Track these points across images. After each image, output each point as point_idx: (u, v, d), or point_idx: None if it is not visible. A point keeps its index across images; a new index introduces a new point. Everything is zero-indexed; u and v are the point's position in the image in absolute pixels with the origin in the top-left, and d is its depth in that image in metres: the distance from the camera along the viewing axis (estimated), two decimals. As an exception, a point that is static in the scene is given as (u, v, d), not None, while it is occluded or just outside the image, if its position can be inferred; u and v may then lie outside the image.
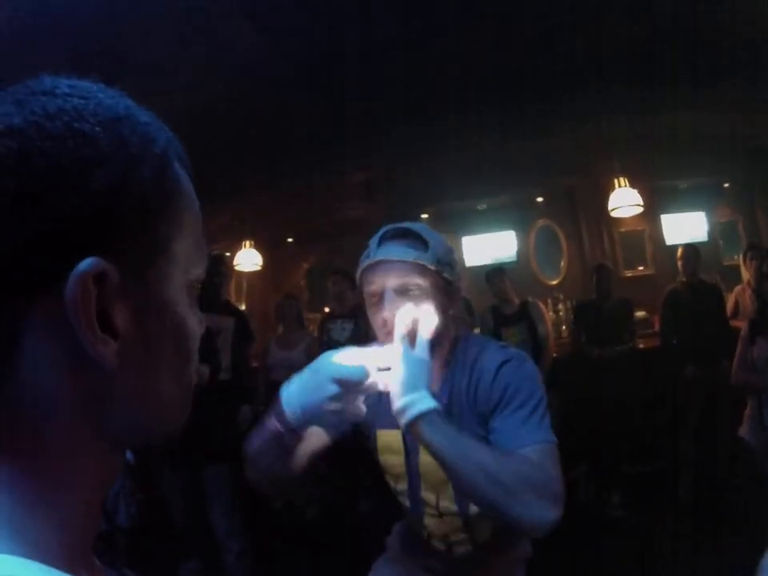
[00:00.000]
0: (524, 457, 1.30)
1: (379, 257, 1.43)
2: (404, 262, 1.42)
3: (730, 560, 2.62)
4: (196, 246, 0.53)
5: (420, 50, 3.73)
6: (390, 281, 1.42)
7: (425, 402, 1.25)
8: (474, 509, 1.48)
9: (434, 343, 1.40)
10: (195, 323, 0.54)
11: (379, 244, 1.46)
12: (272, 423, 1.29)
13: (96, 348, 0.43)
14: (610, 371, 4.70)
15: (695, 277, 4.98)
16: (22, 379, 0.44)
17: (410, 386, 1.26)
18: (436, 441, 1.24)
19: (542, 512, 1.26)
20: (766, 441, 3.21)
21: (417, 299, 1.41)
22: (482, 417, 1.45)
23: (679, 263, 5.02)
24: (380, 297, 1.44)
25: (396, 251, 1.43)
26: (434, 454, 1.26)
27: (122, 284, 0.45)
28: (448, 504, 1.52)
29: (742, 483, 3.41)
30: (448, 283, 1.47)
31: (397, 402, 1.26)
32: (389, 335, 1.38)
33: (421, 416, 1.24)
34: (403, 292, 1.42)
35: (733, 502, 3.43)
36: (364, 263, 1.47)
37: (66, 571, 0.43)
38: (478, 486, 1.23)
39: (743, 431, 3.36)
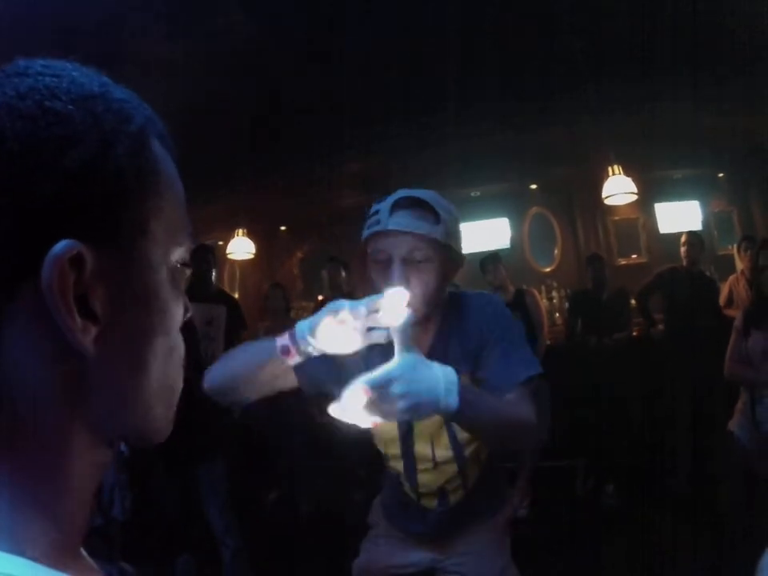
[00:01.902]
0: (515, 399, 1.44)
1: (391, 227, 1.43)
2: (415, 234, 1.42)
3: (729, 551, 2.63)
4: (178, 227, 0.51)
5: (417, 40, 3.71)
6: (400, 251, 1.43)
7: (453, 389, 1.18)
8: (466, 450, 1.59)
9: (430, 312, 1.51)
10: (179, 307, 0.52)
11: (391, 212, 1.45)
12: (281, 338, 1.31)
13: (75, 334, 0.42)
14: (607, 360, 4.71)
15: (695, 266, 4.99)
16: (4, 370, 0.43)
17: (431, 388, 1.15)
18: (474, 413, 1.28)
19: (534, 436, 1.54)
20: (756, 436, 3.17)
21: (423, 270, 1.44)
22: (471, 355, 1.54)
23: (683, 249, 5.02)
24: (386, 263, 1.46)
25: (408, 222, 1.43)
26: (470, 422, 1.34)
27: (101, 267, 0.44)
28: (444, 452, 1.60)
29: (732, 476, 3.39)
30: (454, 253, 1.50)
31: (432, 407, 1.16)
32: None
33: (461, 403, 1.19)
34: (411, 262, 1.44)
35: (728, 495, 3.42)
36: (373, 229, 1.46)
37: (55, 567, 0.41)
38: (496, 431, 1.41)
39: (733, 425, 3.32)
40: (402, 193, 1.49)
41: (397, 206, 1.45)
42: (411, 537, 1.76)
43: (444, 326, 1.59)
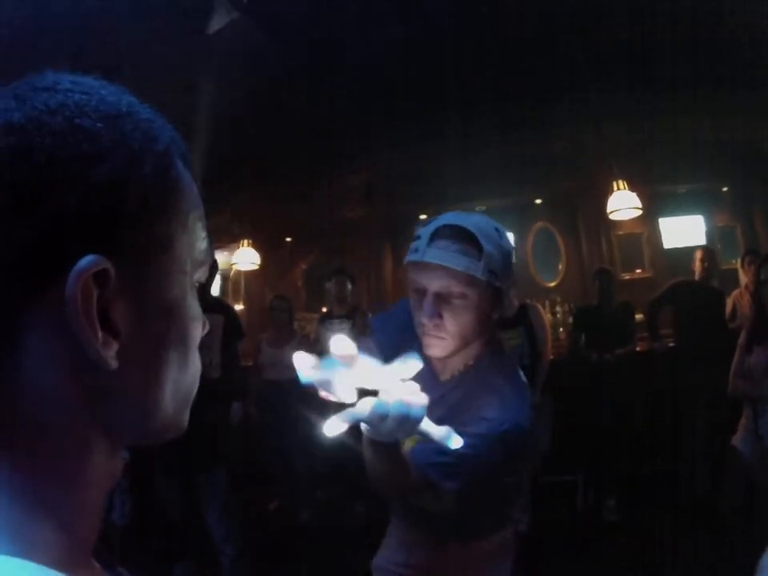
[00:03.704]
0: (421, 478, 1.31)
1: (427, 259, 1.36)
2: (452, 270, 1.34)
3: (731, 566, 2.62)
4: (198, 246, 0.52)
5: (421, 53, 3.73)
6: (434, 285, 1.37)
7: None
8: None
9: (464, 342, 1.43)
10: (198, 323, 0.53)
11: (431, 240, 1.37)
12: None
13: (96, 348, 0.43)
14: (610, 375, 4.69)
15: (708, 281, 4.97)
16: (23, 378, 0.43)
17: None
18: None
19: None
20: (759, 450, 3.18)
21: (458, 306, 1.38)
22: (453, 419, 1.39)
23: (699, 263, 4.99)
24: (422, 294, 1.40)
25: (446, 256, 1.34)
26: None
27: (124, 282, 0.44)
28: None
29: (735, 491, 3.39)
30: (497, 290, 1.40)
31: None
32: (423, 336, 1.42)
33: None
34: (446, 297, 1.37)
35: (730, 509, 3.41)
36: (411, 258, 1.41)
37: (66, 573, 0.42)
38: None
39: (736, 440, 3.33)
40: (446, 219, 1.40)
41: (438, 235, 1.37)
42: (405, 535, 1.74)
43: (468, 375, 1.50)
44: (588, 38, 3.73)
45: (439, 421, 1.39)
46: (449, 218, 1.41)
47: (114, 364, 0.44)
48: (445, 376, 1.54)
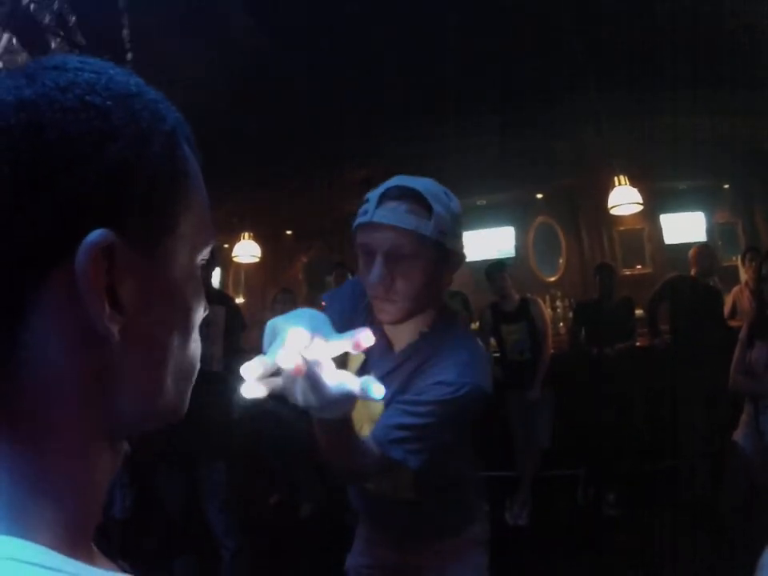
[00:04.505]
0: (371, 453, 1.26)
1: (376, 219, 1.35)
2: (401, 228, 1.33)
3: (731, 561, 2.63)
4: (203, 227, 0.53)
5: (421, 49, 3.72)
6: (383, 245, 1.35)
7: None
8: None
9: (416, 305, 1.40)
10: (200, 305, 0.54)
11: (379, 202, 1.36)
12: None
13: (104, 321, 0.43)
14: (610, 370, 4.69)
15: (705, 277, 4.96)
16: (26, 357, 0.43)
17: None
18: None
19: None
20: (761, 446, 3.18)
21: (408, 266, 1.35)
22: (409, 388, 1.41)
23: (697, 260, 4.97)
24: (372, 256, 1.38)
25: (395, 216, 1.33)
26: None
27: (131, 261, 0.45)
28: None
29: (735, 486, 3.39)
30: (447, 252, 1.39)
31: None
32: (374, 300, 1.39)
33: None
34: (395, 257, 1.35)
35: (730, 505, 3.41)
36: (360, 220, 1.39)
37: (67, 555, 0.42)
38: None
39: (737, 436, 3.33)
40: (395, 181, 1.39)
41: (387, 196, 1.36)
42: (370, 536, 1.74)
43: (423, 342, 1.47)
44: (588, 38, 3.72)
45: (397, 391, 1.38)
46: (397, 180, 1.39)
47: (117, 338, 0.44)
48: (399, 346, 1.51)
